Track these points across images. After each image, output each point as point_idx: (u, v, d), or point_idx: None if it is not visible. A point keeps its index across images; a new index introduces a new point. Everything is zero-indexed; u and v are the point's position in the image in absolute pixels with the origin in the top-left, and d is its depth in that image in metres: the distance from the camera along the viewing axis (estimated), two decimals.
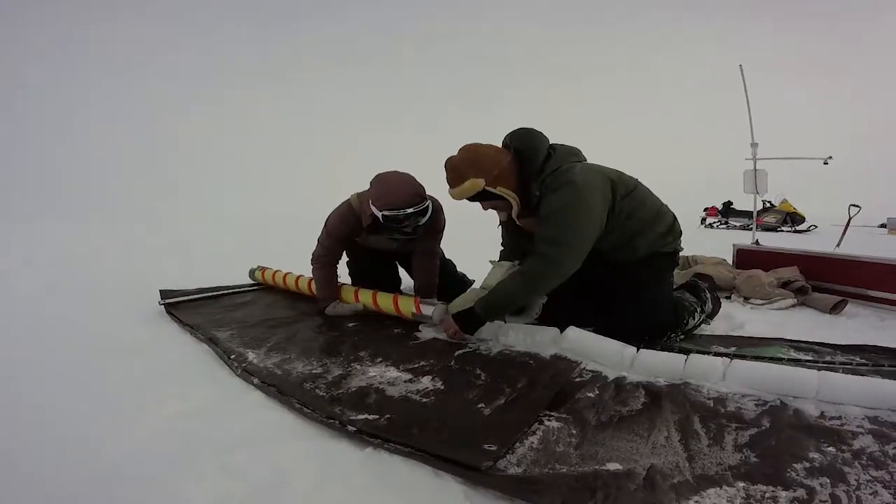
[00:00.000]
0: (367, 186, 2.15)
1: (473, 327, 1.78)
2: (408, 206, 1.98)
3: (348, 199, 2.21)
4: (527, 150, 1.75)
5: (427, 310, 1.98)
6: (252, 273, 3.05)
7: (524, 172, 1.74)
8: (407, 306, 2.05)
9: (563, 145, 1.83)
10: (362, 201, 2.13)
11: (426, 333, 1.90)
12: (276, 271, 2.85)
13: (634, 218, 1.77)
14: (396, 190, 2.00)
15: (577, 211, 1.64)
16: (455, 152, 1.80)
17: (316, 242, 2.30)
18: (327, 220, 2.26)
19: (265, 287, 2.93)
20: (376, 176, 2.10)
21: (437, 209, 2.22)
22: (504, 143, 1.83)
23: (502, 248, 2.12)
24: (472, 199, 1.78)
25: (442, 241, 2.42)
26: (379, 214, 2.01)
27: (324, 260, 2.27)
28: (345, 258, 2.63)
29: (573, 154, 1.82)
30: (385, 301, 2.14)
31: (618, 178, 1.78)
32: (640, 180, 1.88)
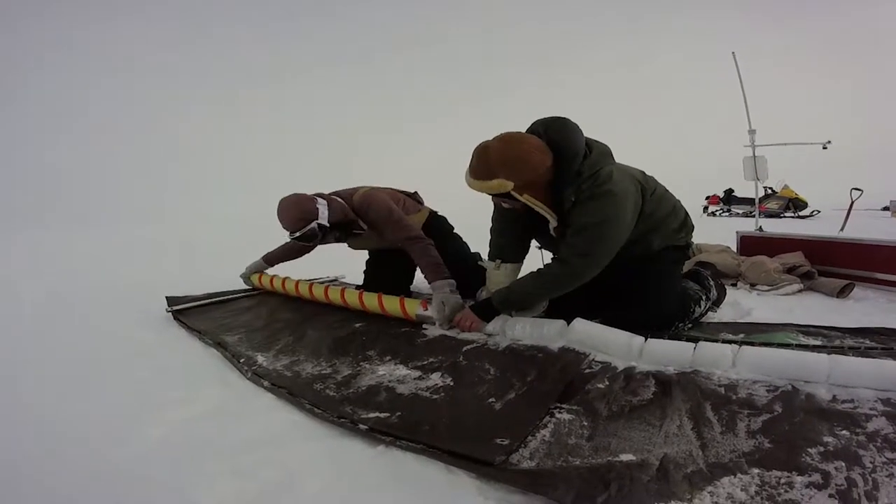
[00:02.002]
0: (367, 185, 2.28)
1: (490, 316, 1.80)
2: (293, 230, 2.17)
3: None
4: (567, 149, 1.61)
5: (430, 310, 1.97)
6: (246, 279, 3.03)
7: (561, 174, 1.61)
8: (412, 307, 2.05)
9: (597, 143, 1.72)
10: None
11: (433, 330, 1.90)
12: (273, 277, 2.80)
13: (654, 216, 1.76)
14: (281, 217, 2.18)
15: (611, 224, 1.61)
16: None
17: None
18: None
19: (269, 291, 2.93)
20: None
21: (365, 206, 2.26)
22: (534, 130, 1.67)
23: (491, 238, 2.03)
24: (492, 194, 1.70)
25: (465, 235, 2.45)
26: None
27: (291, 245, 2.60)
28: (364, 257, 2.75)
29: (607, 155, 1.72)
30: (391, 304, 2.14)
31: (644, 180, 1.77)
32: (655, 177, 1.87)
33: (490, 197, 1.75)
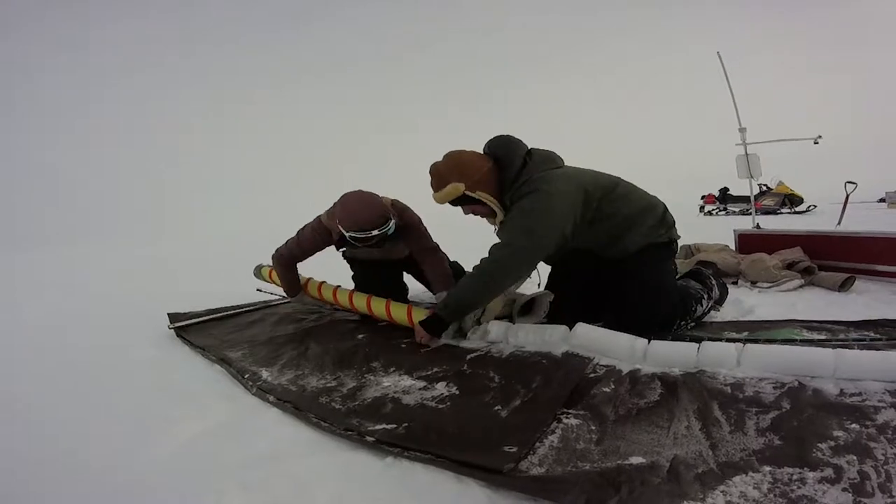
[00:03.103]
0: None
1: (439, 330, 1.83)
2: (373, 229, 2.06)
3: (319, 216, 2.29)
4: (504, 158, 1.80)
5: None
6: (258, 271, 2.98)
7: (502, 180, 1.80)
8: (419, 317, 2.03)
9: (540, 151, 1.86)
10: (331, 218, 2.21)
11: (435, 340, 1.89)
12: (308, 281, 2.60)
13: (619, 216, 1.78)
14: (361, 214, 2.07)
15: (535, 216, 1.68)
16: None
17: (284, 243, 2.41)
18: (301, 231, 2.36)
19: (272, 304, 2.92)
20: (342, 196, 2.17)
21: (401, 211, 2.27)
22: (484, 150, 1.88)
23: None
24: (453, 203, 1.84)
25: (442, 247, 2.43)
26: (346, 234, 2.09)
27: (285, 261, 2.43)
28: (349, 272, 2.66)
29: (550, 160, 1.84)
30: (398, 311, 2.13)
31: (592, 182, 1.79)
32: (622, 177, 1.90)
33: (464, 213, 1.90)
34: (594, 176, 1.84)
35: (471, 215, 1.92)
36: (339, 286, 2.46)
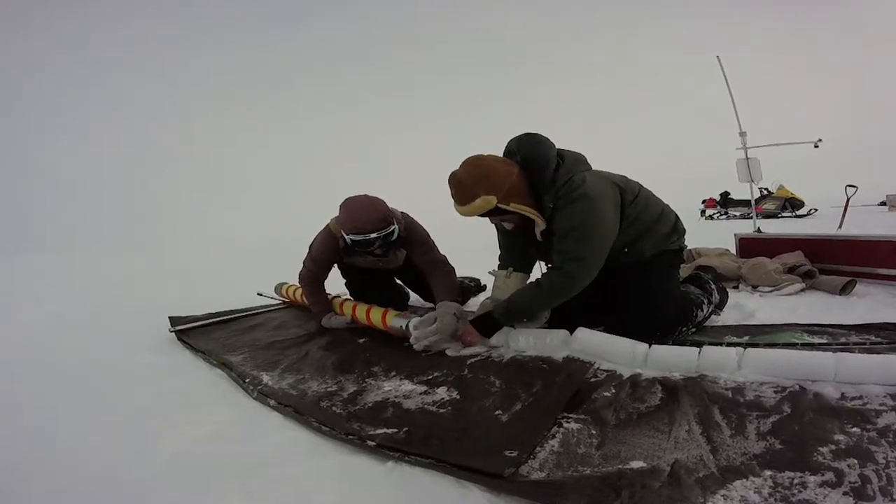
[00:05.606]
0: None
1: (491, 331, 1.80)
2: (372, 231, 2.03)
3: (328, 224, 2.27)
4: (537, 159, 1.71)
5: (403, 321, 1.98)
6: (278, 289, 3.00)
7: (535, 184, 1.71)
8: (391, 318, 2.06)
9: (570, 152, 1.81)
10: (337, 224, 2.19)
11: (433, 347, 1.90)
12: (334, 297, 2.50)
13: (640, 221, 1.78)
14: (360, 215, 2.05)
15: (594, 225, 1.64)
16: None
17: (301, 265, 2.38)
18: (311, 245, 2.34)
19: (273, 308, 2.93)
20: (344, 200, 2.15)
21: (409, 225, 2.25)
22: (509, 149, 1.79)
23: (500, 252, 2.09)
24: (482, 215, 1.74)
25: (443, 250, 2.43)
26: (347, 238, 2.07)
27: (309, 280, 2.36)
28: (343, 281, 2.66)
29: (581, 162, 1.80)
30: (376, 316, 2.14)
31: (624, 184, 1.78)
32: (641, 183, 1.89)
33: (488, 220, 1.82)
34: (623, 179, 1.82)
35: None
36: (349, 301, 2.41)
